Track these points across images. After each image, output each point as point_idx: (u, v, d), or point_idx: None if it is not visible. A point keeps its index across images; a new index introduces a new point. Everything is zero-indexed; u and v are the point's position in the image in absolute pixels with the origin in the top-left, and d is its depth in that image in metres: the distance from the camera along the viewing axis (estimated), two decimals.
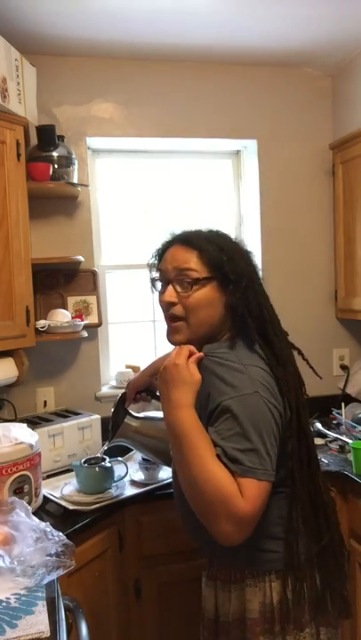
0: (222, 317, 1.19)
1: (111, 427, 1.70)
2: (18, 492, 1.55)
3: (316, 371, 1.31)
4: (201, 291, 1.17)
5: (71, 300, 2.32)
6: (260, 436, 1.04)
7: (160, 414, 1.70)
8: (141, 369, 2.51)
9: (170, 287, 1.20)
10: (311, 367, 1.30)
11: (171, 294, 1.19)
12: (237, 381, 1.08)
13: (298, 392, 1.18)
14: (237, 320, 1.18)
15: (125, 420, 1.66)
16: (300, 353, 1.27)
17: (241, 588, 1.20)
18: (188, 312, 1.18)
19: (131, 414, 1.68)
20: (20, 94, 1.89)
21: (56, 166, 2.12)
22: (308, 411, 1.21)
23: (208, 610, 1.28)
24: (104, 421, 2.21)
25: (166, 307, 1.21)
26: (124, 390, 1.76)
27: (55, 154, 2.13)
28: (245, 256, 1.24)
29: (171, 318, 1.21)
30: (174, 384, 1.10)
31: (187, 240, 1.26)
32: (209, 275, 1.17)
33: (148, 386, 1.73)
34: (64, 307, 2.28)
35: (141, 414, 1.74)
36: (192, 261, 1.19)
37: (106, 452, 1.80)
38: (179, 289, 1.19)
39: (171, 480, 1.84)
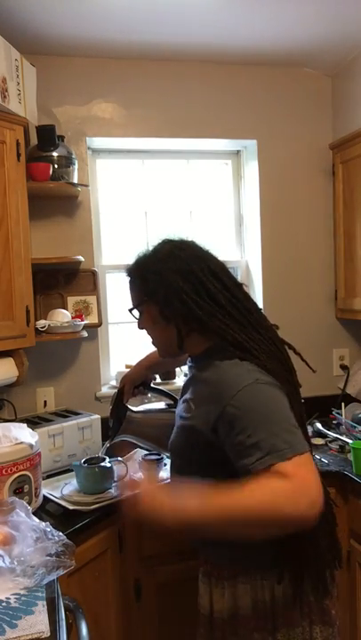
0: (169, 332, 1.24)
1: (112, 424, 1.69)
2: (18, 492, 1.55)
3: (308, 363, 1.32)
4: (143, 315, 1.32)
5: (71, 300, 2.32)
6: (277, 419, 1.06)
7: (159, 405, 1.72)
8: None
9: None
10: (304, 360, 1.31)
11: (138, 324, 1.38)
12: (235, 381, 1.11)
13: (283, 358, 1.22)
14: (186, 329, 1.23)
15: (127, 415, 1.66)
16: (289, 347, 1.28)
17: (233, 585, 1.22)
18: (149, 336, 1.37)
19: (131, 410, 1.68)
20: (20, 94, 1.89)
21: (56, 166, 2.12)
22: (301, 404, 1.22)
23: (203, 606, 1.30)
24: (104, 421, 2.21)
25: None
26: (119, 386, 1.75)
27: (55, 154, 2.13)
28: (163, 261, 1.23)
29: None
30: (158, 521, 1.10)
31: (126, 273, 1.35)
32: (138, 301, 1.30)
33: (144, 379, 1.73)
34: (64, 307, 2.28)
35: (141, 407, 1.74)
36: (131, 293, 1.34)
37: (105, 452, 1.80)
38: (137, 318, 1.36)
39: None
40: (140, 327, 1.36)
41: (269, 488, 1.00)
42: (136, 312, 1.34)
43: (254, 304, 1.28)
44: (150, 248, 1.30)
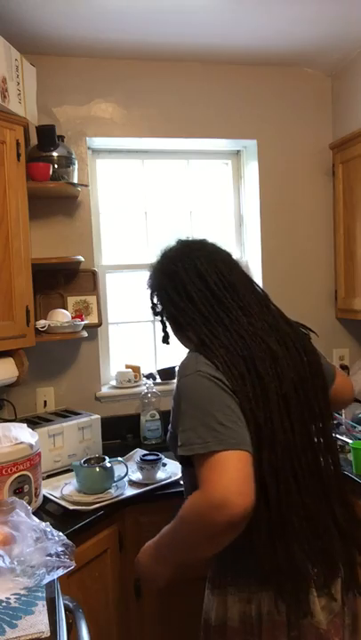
0: (165, 326, 1.34)
1: None
2: (18, 491, 1.55)
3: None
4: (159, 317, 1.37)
5: (71, 300, 2.32)
6: (203, 413, 1.07)
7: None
8: (141, 369, 2.53)
9: None
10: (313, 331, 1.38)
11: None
12: (182, 368, 1.17)
13: (249, 354, 1.16)
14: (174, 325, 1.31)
15: None
16: (303, 327, 1.35)
17: (225, 595, 1.20)
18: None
19: None
20: (20, 94, 1.88)
21: (56, 166, 2.12)
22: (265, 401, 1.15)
23: (204, 611, 1.29)
24: (104, 421, 2.21)
25: None
26: None
27: (55, 154, 2.13)
28: (159, 264, 1.32)
29: None
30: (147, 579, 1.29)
31: None
32: (155, 315, 1.37)
33: None
34: (64, 307, 2.28)
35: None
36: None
37: (105, 452, 1.80)
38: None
39: (170, 480, 1.85)
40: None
41: (189, 503, 1.05)
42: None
43: (240, 302, 1.24)
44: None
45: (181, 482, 1.85)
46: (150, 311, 1.36)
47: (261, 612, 1.15)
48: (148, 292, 1.34)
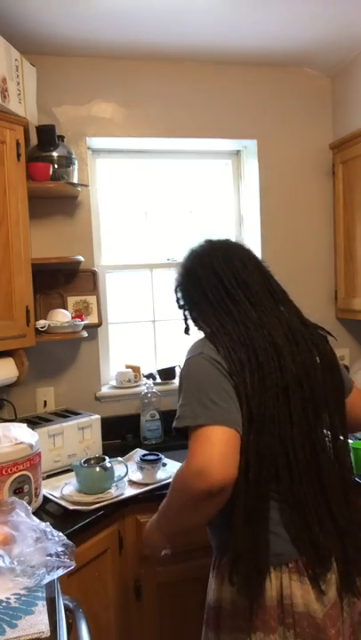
0: (186, 318, 1.44)
1: None
2: (18, 492, 1.55)
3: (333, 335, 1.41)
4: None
5: (71, 300, 2.32)
6: (198, 390, 1.16)
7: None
8: (141, 369, 2.53)
9: None
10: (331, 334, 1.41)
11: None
12: (189, 350, 1.26)
13: (252, 344, 1.22)
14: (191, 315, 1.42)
15: None
16: (319, 328, 1.38)
17: (221, 577, 1.24)
18: None
19: None
20: (20, 94, 1.89)
21: (56, 166, 2.12)
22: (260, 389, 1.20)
23: (208, 592, 1.33)
24: (104, 421, 2.21)
25: None
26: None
27: (55, 154, 2.13)
28: (184, 263, 1.41)
29: None
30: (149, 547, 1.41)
31: None
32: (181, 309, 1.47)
33: None
34: (64, 307, 2.28)
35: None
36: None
37: (105, 452, 1.80)
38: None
39: (170, 480, 1.85)
40: None
41: (176, 472, 1.16)
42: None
43: (252, 298, 1.31)
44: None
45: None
46: (175, 304, 1.46)
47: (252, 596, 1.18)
48: (174, 286, 1.44)
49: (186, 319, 1.43)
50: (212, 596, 1.27)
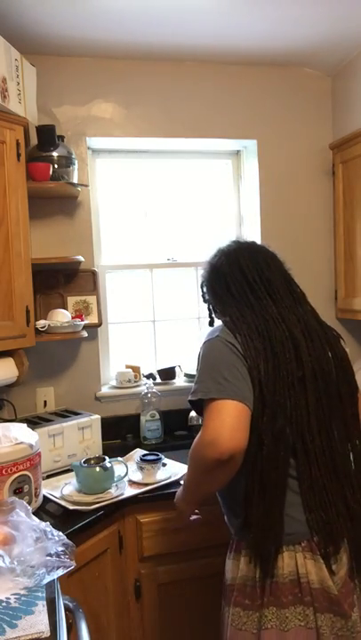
0: (210, 311, 1.55)
1: None
2: (18, 491, 1.55)
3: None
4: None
5: (71, 300, 2.32)
6: (212, 368, 1.25)
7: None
8: (141, 369, 2.53)
9: None
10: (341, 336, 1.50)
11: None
12: (208, 334, 1.35)
13: (268, 334, 1.31)
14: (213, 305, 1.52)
15: None
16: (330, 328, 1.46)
17: (238, 557, 1.30)
18: None
19: None
20: (20, 94, 1.88)
21: (56, 166, 2.12)
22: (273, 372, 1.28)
23: (225, 573, 1.38)
24: (104, 421, 2.21)
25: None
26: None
27: (55, 154, 2.13)
28: (206, 270, 1.50)
29: None
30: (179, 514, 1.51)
31: None
32: (207, 303, 1.58)
33: None
34: (64, 307, 2.28)
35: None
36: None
37: (105, 452, 1.80)
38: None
39: (170, 480, 1.86)
40: None
41: (194, 443, 1.24)
42: None
43: (273, 295, 1.40)
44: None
45: (180, 482, 1.86)
46: (201, 299, 1.56)
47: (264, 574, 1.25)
48: (200, 281, 1.53)
49: (210, 313, 1.53)
50: (229, 574, 1.34)
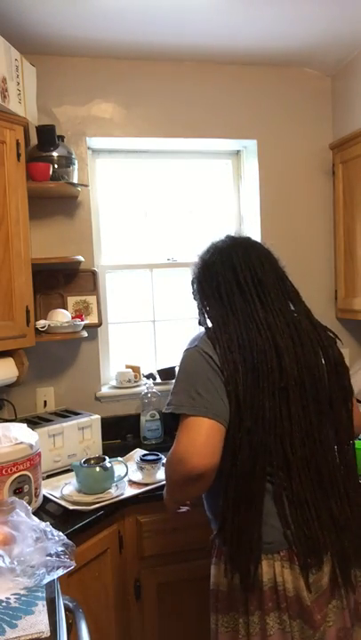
0: (200, 310, 1.46)
1: None
2: (18, 491, 1.55)
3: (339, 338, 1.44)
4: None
5: (71, 300, 2.32)
6: (187, 381, 1.24)
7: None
8: (141, 369, 2.53)
9: None
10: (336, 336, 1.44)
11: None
12: (188, 343, 1.33)
13: (240, 355, 1.25)
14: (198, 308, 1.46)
15: None
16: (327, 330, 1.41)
17: (219, 563, 1.29)
18: None
19: None
20: (20, 94, 1.88)
21: (56, 166, 2.12)
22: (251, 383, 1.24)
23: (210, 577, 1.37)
24: (104, 421, 2.21)
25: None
26: None
27: (55, 154, 2.13)
28: (197, 266, 1.45)
29: None
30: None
31: None
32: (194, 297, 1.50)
33: None
34: (64, 307, 2.28)
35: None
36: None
37: (105, 452, 1.80)
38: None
39: None
40: None
41: (167, 456, 1.24)
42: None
43: (263, 298, 1.34)
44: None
45: None
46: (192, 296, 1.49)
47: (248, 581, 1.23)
48: (191, 278, 1.47)
49: (200, 312, 1.46)
50: (212, 579, 1.33)
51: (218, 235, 1.48)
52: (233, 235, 1.47)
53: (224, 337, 1.27)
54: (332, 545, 1.24)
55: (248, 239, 1.46)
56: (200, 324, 1.43)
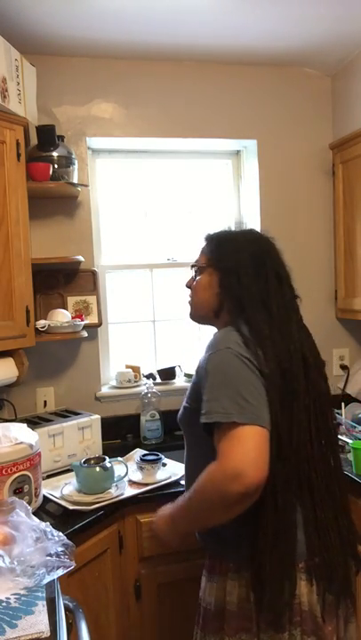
0: (215, 300, 1.34)
1: None
2: (18, 491, 1.55)
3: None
4: (201, 276, 1.39)
5: (71, 300, 2.32)
6: (228, 386, 1.13)
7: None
8: (141, 369, 2.53)
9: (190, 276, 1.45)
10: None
11: (188, 280, 1.45)
12: (214, 343, 1.22)
13: (286, 356, 1.22)
14: (225, 302, 1.32)
15: None
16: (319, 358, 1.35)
17: (223, 580, 1.24)
18: (193, 294, 1.42)
19: None
20: (20, 94, 1.88)
21: (56, 166, 2.12)
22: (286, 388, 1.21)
23: (202, 599, 1.33)
24: (104, 421, 2.21)
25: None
26: None
27: (55, 154, 2.13)
28: (242, 246, 1.36)
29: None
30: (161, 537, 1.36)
31: (205, 236, 1.45)
32: (204, 263, 1.38)
33: None
34: (64, 307, 2.28)
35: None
36: (200, 254, 1.43)
37: (105, 452, 1.80)
38: (192, 276, 1.44)
39: (170, 480, 1.85)
40: (189, 285, 1.44)
41: (206, 472, 1.11)
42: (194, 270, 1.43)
43: (288, 306, 1.33)
44: (239, 229, 1.45)
45: (180, 482, 1.86)
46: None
47: (260, 598, 1.18)
48: (219, 264, 1.34)
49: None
50: (213, 600, 1.27)
51: (237, 224, 1.45)
52: (260, 232, 1.45)
53: (267, 342, 1.20)
54: (339, 557, 1.23)
55: (273, 242, 1.42)
56: (216, 317, 1.34)
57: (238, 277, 1.29)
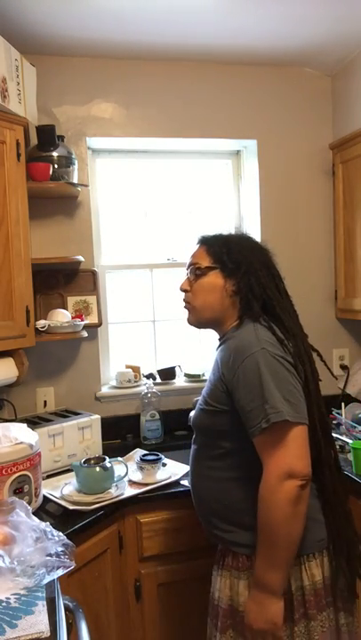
0: (225, 302, 1.34)
1: None
2: (18, 491, 1.55)
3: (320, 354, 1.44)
4: (204, 278, 1.36)
5: (71, 300, 2.32)
6: (277, 386, 1.16)
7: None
8: (141, 369, 2.53)
9: (185, 278, 1.43)
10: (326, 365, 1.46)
11: (184, 283, 1.42)
12: (247, 345, 1.22)
13: (309, 361, 1.32)
14: (243, 302, 1.33)
15: None
16: (314, 350, 1.42)
17: (237, 577, 1.27)
18: (193, 297, 1.39)
19: None
20: (20, 94, 1.88)
21: (56, 166, 2.12)
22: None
23: (214, 596, 1.35)
24: (104, 421, 2.21)
25: (183, 294, 1.43)
26: None
27: (55, 154, 2.13)
28: (249, 248, 1.38)
29: (184, 303, 1.44)
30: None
31: (200, 239, 1.45)
32: (211, 264, 1.36)
33: None
34: (64, 307, 2.28)
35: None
36: (199, 255, 1.40)
37: (105, 452, 1.80)
38: (191, 278, 1.40)
39: (170, 480, 1.85)
40: (184, 288, 1.42)
41: (265, 488, 1.14)
42: (193, 272, 1.41)
43: (293, 309, 1.43)
44: (231, 233, 1.46)
45: (180, 482, 1.86)
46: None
47: (304, 585, 1.25)
48: (225, 268, 1.34)
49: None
50: (224, 597, 1.30)
51: (240, 229, 1.51)
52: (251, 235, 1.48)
53: (294, 340, 1.29)
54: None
55: (266, 248, 1.47)
56: (222, 319, 1.36)
57: (258, 278, 1.32)
